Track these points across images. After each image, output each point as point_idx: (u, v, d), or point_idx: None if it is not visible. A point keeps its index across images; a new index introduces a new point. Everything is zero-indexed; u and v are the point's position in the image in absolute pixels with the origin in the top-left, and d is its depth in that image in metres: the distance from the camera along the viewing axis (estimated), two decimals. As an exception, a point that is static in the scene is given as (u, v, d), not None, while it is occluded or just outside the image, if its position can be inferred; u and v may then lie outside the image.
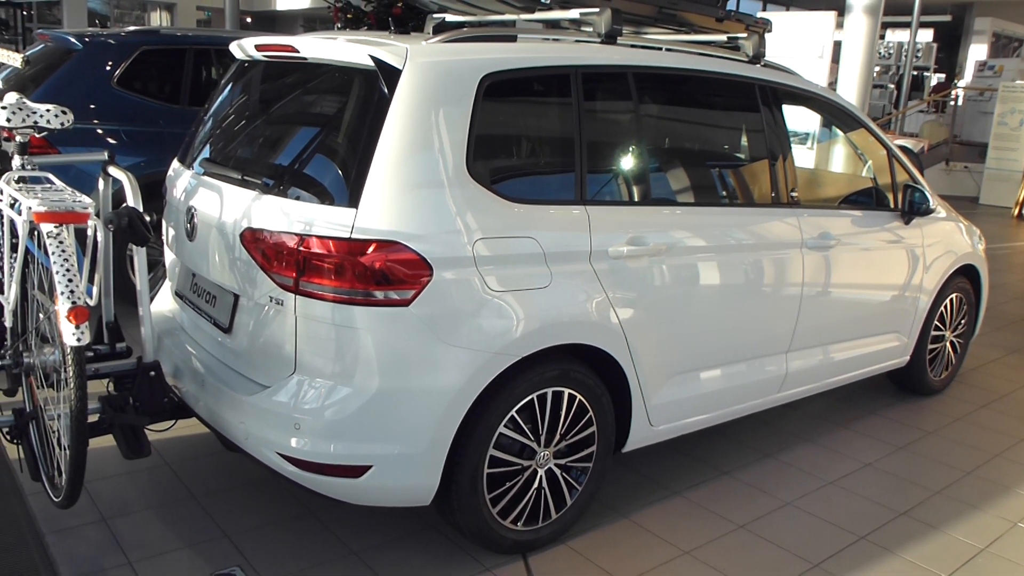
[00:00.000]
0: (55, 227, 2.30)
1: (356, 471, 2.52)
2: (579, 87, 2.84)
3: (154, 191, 4.84)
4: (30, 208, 2.29)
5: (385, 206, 2.44)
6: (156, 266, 5.01)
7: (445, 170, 2.53)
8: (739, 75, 3.42)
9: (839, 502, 3.43)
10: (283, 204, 2.56)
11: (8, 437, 2.65)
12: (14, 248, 2.68)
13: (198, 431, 3.16)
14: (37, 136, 2.74)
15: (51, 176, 2.58)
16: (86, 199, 2.37)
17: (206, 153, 3.07)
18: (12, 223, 2.64)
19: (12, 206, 2.54)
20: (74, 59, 4.94)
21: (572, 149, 2.83)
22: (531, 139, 2.88)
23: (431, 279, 2.47)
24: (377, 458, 2.51)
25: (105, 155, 2.82)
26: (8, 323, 2.79)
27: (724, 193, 3.48)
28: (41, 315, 2.56)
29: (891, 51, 19.21)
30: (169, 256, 3.28)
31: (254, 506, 3.10)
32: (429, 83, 2.55)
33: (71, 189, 2.49)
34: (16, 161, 2.70)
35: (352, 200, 2.44)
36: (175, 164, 3.29)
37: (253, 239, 2.59)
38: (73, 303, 2.16)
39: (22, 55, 3.00)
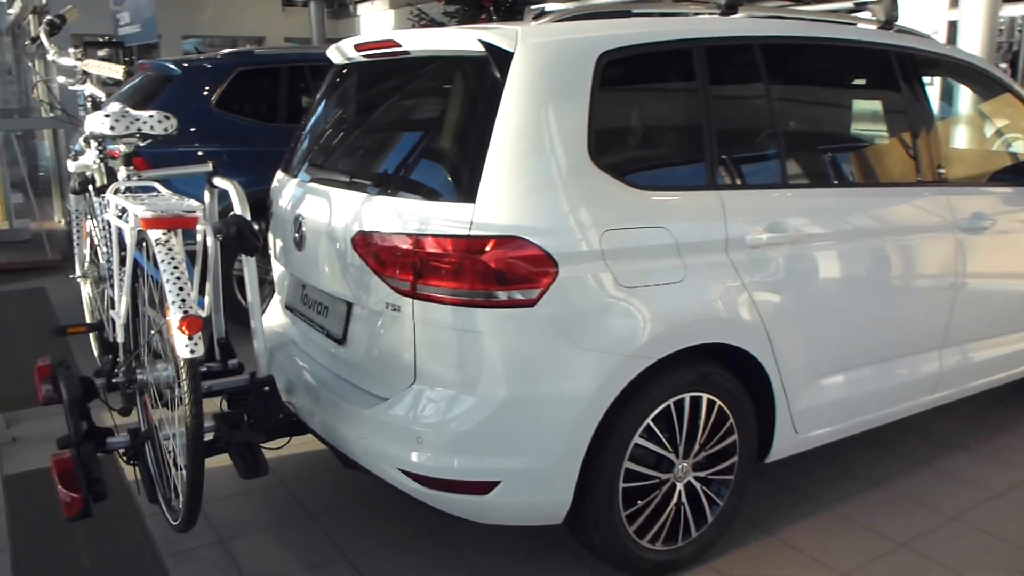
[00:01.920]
0: (163, 234, 2.20)
1: (483, 487, 2.33)
2: (704, 62, 2.61)
3: (257, 209, 4.84)
4: (137, 215, 2.20)
5: (504, 199, 2.26)
6: (263, 284, 5.02)
7: (565, 158, 2.33)
8: (873, 42, 3.12)
9: (1015, 517, 3.05)
10: (395, 204, 2.41)
11: (124, 458, 2.56)
12: (124, 261, 2.61)
13: (314, 447, 3.05)
14: (141, 144, 2.67)
15: (157, 185, 2.50)
16: (194, 203, 2.27)
17: (312, 160, 2.96)
18: (121, 235, 2.57)
19: (120, 216, 2.47)
20: (173, 85, 4.99)
21: (700, 130, 2.59)
22: (655, 121, 2.65)
23: (557, 276, 2.27)
24: (505, 473, 2.32)
25: (210, 166, 2.74)
26: (120, 339, 2.72)
27: (864, 172, 3.17)
28: (152, 331, 2.48)
29: (1002, 27, 18.11)
30: (277, 269, 3.18)
31: (373, 525, 2.95)
32: (543, 65, 2.36)
33: (178, 196, 2.40)
34: (122, 172, 2.64)
35: (468, 194, 2.26)
36: (279, 175, 3.19)
37: (365, 243, 2.44)
38: (185, 312, 2.05)
39: (124, 67, 2.97)
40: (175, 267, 2.12)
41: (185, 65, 5.11)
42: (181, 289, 2.09)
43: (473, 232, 2.23)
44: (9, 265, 7.05)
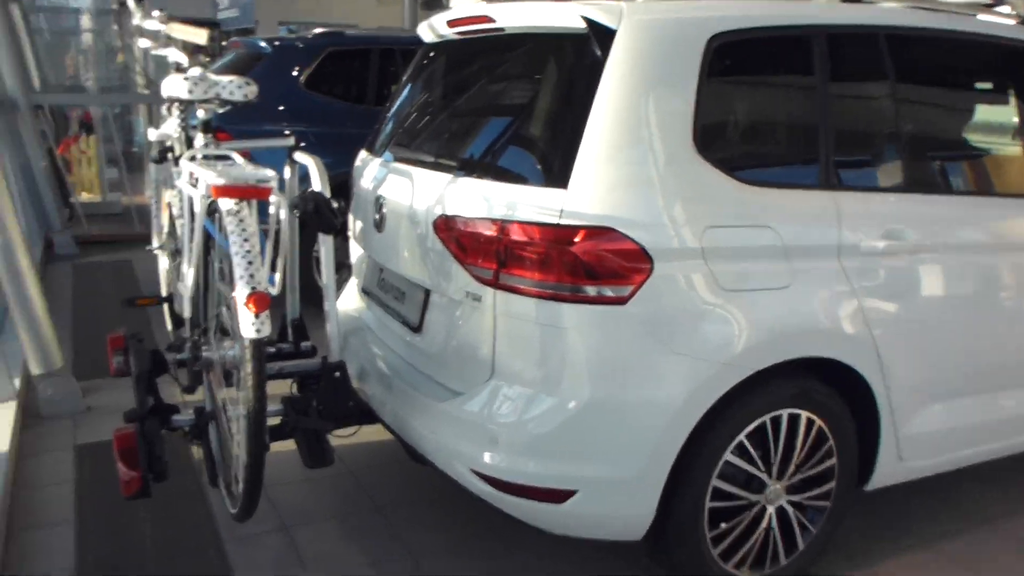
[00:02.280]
0: (235, 203, 2.09)
1: (559, 496, 2.17)
2: (824, 50, 2.38)
3: (341, 191, 4.78)
4: (208, 182, 2.08)
5: (599, 187, 2.09)
6: (341, 269, 4.96)
7: (667, 146, 2.15)
8: (1012, 38, 2.83)
9: None
10: (481, 187, 2.26)
11: (189, 437, 2.49)
12: (195, 232, 2.54)
13: (384, 437, 2.94)
14: (220, 111, 2.59)
15: (235, 155, 2.40)
16: (269, 172, 2.16)
17: (397, 139, 2.84)
18: (192, 204, 2.48)
19: (192, 184, 2.39)
20: (263, 63, 4.97)
21: (816, 124, 2.38)
22: (767, 111, 2.44)
23: (651, 273, 2.09)
24: (584, 482, 2.15)
25: (291, 140, 2.64)
26: (187, 313, 2.63)
27: (994, 181, 2.88)
28: (220, 307, 2.39)
29: None
30: (356, 251, 3.08)
31: (440, 523, 2.83)
32: (648, 45, 2.18)
33: (254, 165, 2.30)
34: (199, 139, 2.56)
35: (560, 180, 2.10)
36: (362, 154, 3.09)
37: (447, 227, 2.31)
38: (252, 288, 1.92)
39: (207, 31, 2.91)
40: (245, 239, 2.00)
41: (276, 44, 5.08)
42: (250, 263, 1.97)
43: (563, 221, 2.07)
44: (101, 237, 7.22)
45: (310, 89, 4.96)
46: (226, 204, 2.08)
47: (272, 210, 2.21)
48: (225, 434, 2.47)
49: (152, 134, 3.13)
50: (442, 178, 2.39)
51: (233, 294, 1.97)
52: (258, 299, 1.91)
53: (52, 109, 8.46)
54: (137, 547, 2.62)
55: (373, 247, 2.81)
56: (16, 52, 6.73)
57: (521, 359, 2.17)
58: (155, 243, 3.77)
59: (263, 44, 5.05)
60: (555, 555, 2.66)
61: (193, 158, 2.46)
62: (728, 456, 2.29)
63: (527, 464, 2.16)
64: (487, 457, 2.19)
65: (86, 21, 9.65)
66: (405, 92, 3.04)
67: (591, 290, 2.07)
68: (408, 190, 2.53)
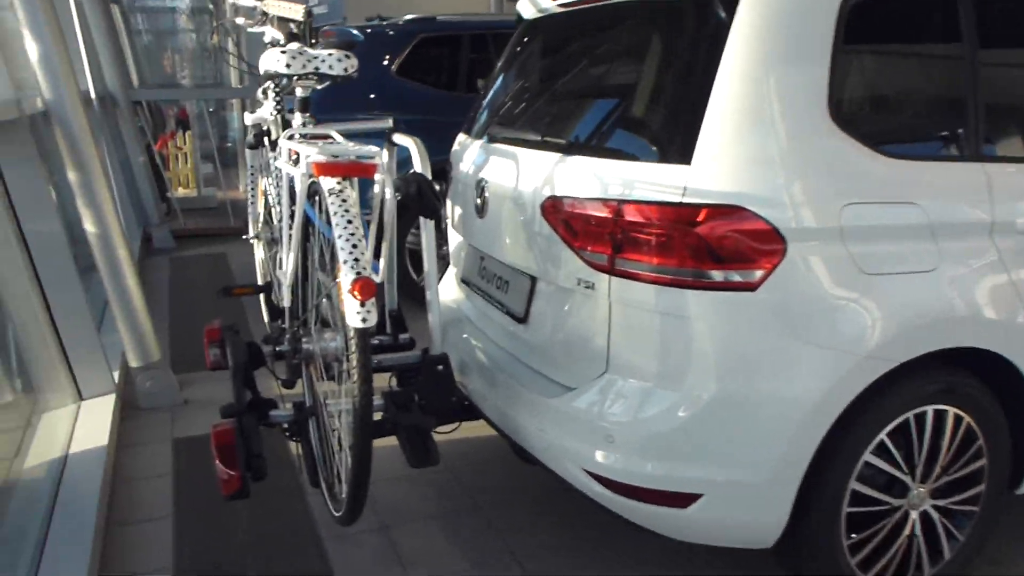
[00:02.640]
0: (337, 183, 1.96)
1: (682, 499, 1.99)
2: (972, 8, 2.13)
3: (435, 179, 4.70)
4: (309, 160, 1.95)
5: (725, 162, 1.90)
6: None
7: (800, 115, 1.94)
8: None
9: None
10: (593, 166, 2.10)
11: (287, 434, 2.40)
12: (293, 217, 2.42)
13: (485, 433, 2.82)
14: (319, 87, 2.48)
15: (335, 133, 2.29)
16: (373, 148, 2.03)
17: (499, 119, 2.69)
18: (291, 186, 2.38)
19: (293, 164, 2.27)
20: (355, 51, 4.90)
21: (964, 89, 2.12)
22: (910, 76, 2.19)
23: (784, 256, 1.89)
24: (710, 485, 1.97)
25: (390, 122, 2.53)
26: (286, 303, 2.52)
27: None
28: (321, 295, 2.29)
29: None
30: (454, 239, 2.96)
31: (544, 524, 2.68)
32: (777, 6, 1.97)
33: (356, 143, 2.18)
34: (297, 119, 2.45)
35: (682, 155, 1.92)
36: (460, 137, 2.97)
37: (556, 210, 2.15)
38: (358, 274, 1.80)
39: (304, 7, 2.81)
40: (349, 221, 1.88)
41: (368, 31, 5.01)
42: (355, 247, 1.84)
43: (686, 199, 1.89)
44: (196, 231, 7.35)
45: (402, 76, 4.87)
46: (328, 183, 1.95)
47: (376, 189, 2.08)
48: (326, 431, 2.36)
49: (248, 118, 3.05)
50: (549, 158, 2.24)
51: (336, 281, 1.85)
52: (364, 285, 1.78)
53: (150, 106, 8.67)
54: (235, 544, 2.57)
55: (474, 234, 2.68)
56: (116, 50, 6.89)
57: (639, 351, 2.00)
58: (251, 232, 3.70)
59: (355, 32, 4.99)
60: (671, 561, 2.48)
61: (291, 137, 2.35)
62: (868, 457, 2.07)
63: (646, 465, 1.99)
64: (601, 457, 2.03)
65: (184, 20, 9.86)
66: (506, 71, 2.89)
67: (717, 275, 1.89)
68: (512, 172, 2.38)
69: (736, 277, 1.89)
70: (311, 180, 2.03)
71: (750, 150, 1.90)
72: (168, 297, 5.45)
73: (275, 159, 2.77)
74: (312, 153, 1.96)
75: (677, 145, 1.93)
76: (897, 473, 2.13)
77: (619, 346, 2.03)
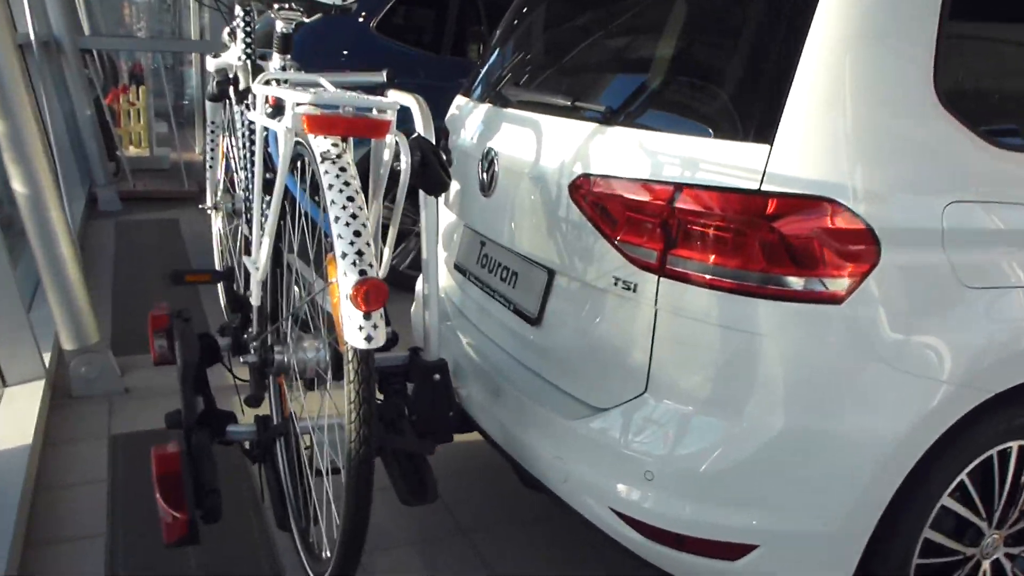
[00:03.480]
0: (334, 144, 1.51)
1: (733, 551, 1.64)
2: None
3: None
4: (296, 110, 1.47)
5: (814, 142, 1.52)
6: (408, 237, 4.45)
7: (901, 89, 1.57)
8: None
9: None
10: (641, 139, 1.71)
11: (249, 456, 1.94)
12: (269, 188, 1.94)
13: (470, 440, 2.44)
14: (307, 20, 2.03)
15: (323, 80, 1.85)
16: (385, 99, 1.57)
17: (514, 78, 2.27)
18: (268, 148, 1.92)
19: (273, 115, 1.77)
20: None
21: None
22: None
23: (877, 262, 1.53)
24: (769, 535, 1.62)
25: (384, 76, 2.10)
26: (255, 300, 2.02)
27: None
28: (303, 295, 1.85)
29: None
30: (447, 216, 2.54)
31: (539, 553, 2.32)
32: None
33: (356, 92, 1.73)
34: (276, 60, 2.00)
35: (762, 133, 1.54)
36: (460, 101, 2.55)
37: (590, 191, 1.76)
38: (362, 274, 1.36)
39: None
40: (349, 199, 1.42)
41: (344, -17, 4.54)
42: (357, 235, 1.39)
43: (766, 187, 1.51)
44: (147, 193, 6.81)
45: (382, 33, 4.41)
46: (320, 145, 1.49)
47: (386, 156, 1.64)
48: (299, 458, 1.92)
49: (210, 63, 2.57)
50: (582, 128, 1.84)
51: (330, 280, 1.42)
52: (371, 290, 1.33)
53: (102, 58, 8.03)
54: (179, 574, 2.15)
55: (474, 214, 2.27)
56: (62, -9, 6.27)
57: (690, 370, 1.63)
58: (208, 201, 3.19)
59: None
60: None
61: (269, 82, 1.88)
62: (945, 500, 1.74)
63: (691, 508, 1.63)
64: (636, 495, 1.67)
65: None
66: (524, 20, 2.46)
67: (797, 283, 1.52)
68: (532, 143, 1.98)
69: (819, 286, 1.52)
70: (296, 139, 1.59)
71: (842, 132, 1.53)
72: (112, 267, 4.93)
73: (243, 112, 2.32)
74: (301, 100, 1.48)
75: (756, 120, 1.55)
76: (974, 518, 1.80)
77: (664, 362, 1.65)
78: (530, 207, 1.97)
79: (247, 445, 1.89)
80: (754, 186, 1.51)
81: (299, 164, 1.75)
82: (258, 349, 1.80)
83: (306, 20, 1.98)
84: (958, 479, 1.74)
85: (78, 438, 2.83)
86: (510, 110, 2.14)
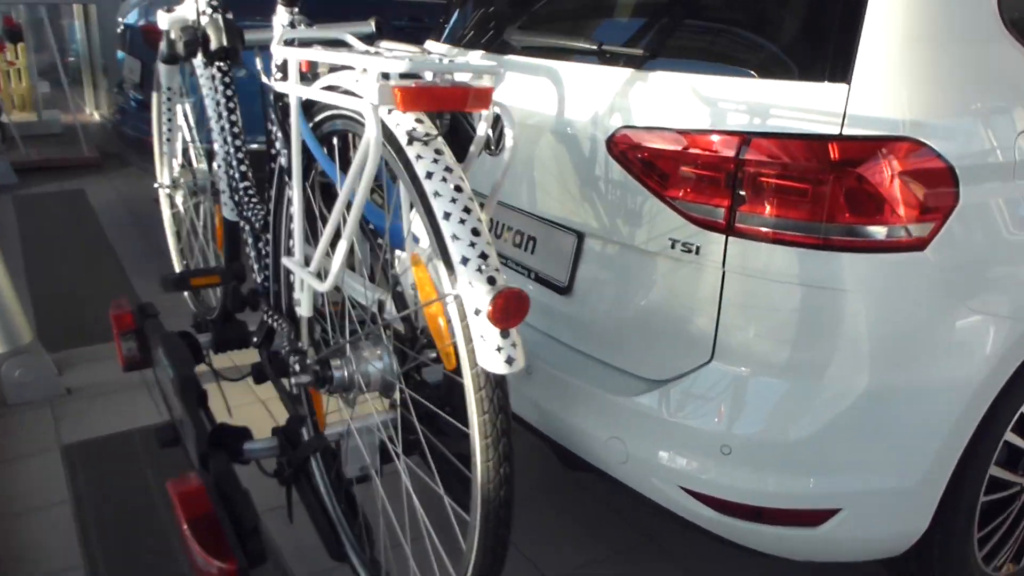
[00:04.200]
0: (418, 121, 1.23)
1: (815, 517, 1.55)
2: None
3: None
4: (384, 83, 1.15)
5: (894, 77, 1.39)
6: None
7: (969, 17, 1.45)
8: None
9: None
10: (695, 84, 1.54)
11: (279, 479, 1.67)
12: (308, 173, 1.59)
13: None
14: None
15: (350, 37, 1.59)
16: (483, 62, 1.25)
17: (513, 22, 2.04)
18: (311, 125, 1.57)
19: (341, 88, 1.37)
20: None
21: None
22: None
23: (958, 202, 1.43)
24: (851, 498, 1.54)
25: (372, 25, 1.85)
26: (306, 310, 1.57)
27: None
28: (360, 293, 1.57)
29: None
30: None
31: (577, 538, 2.21)
32: None
33: (414, 48, 1.49)
34: (281, 14, 1.70)
35: (837, 70, 1.39)
36: (436, 48, 2.31)
37: (634, 146, 1.59)
38: (492, 282, 1.13)
39: None
40: (457, 188, 1.18)
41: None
42: (476, 234, 1.15)
43: (847, 131, 1.37)
44: (41, 162, 6.22)
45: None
46: (404, 122, 1.23)
47: (481, 131, 1.39)
48: (339, 476, 1.66)
49: (162, 19, 2.22)
50: (616, 74, 1.65)
51: (452, 292, 1.16)
52: (510, 302, 1.10)
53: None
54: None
55: (477, 175, 2.07)
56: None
57: (764, 334, 1.50)
58: (163, 178, 2.80)
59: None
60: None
61: (291, 43, 1.56)
62: (1008, 435, 1.70)
63: (772, 479, 1.53)
64: (711, 472, 1.55)
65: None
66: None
67: (880, 231, 1.40)
68: (549, 94, 1.78)
69: (903, 233, 1.41)
70: (347, 116, 1.34)
71: (918, 64, 1.40)
72: (20, 250, 4.48)
73: (219, 75, 2.01)
74: (383, 68, 1.17)
75: (829, 57, 1.40)
76: (1028, 450, 1.78)
77: (733, 327, 1.52)
78: (553, 166, 1.78)
79: (279, 468, 1.65)
80: (835, 130, 1.37)
81: (343, 142, 1.51)
82: (306, 362, 1.51)
83: None
84: (1019, 412, 1.70)
85: (26, 453, 2.54)
86: (514, 57, 1.93)
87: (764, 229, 1.44)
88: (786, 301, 1.46)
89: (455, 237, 1.16)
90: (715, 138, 1.46)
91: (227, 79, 2.02)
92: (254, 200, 1.92)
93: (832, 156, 1.37)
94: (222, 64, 2.02)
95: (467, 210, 1.17)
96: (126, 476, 2.38)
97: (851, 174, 1.37)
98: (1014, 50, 1.48)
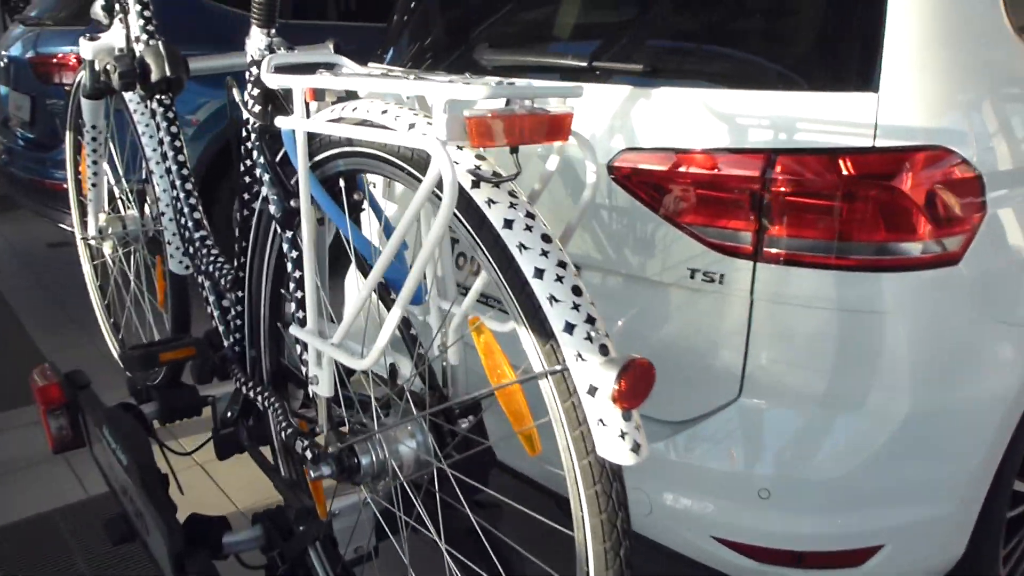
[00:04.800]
0: (478, 157, 1.03)
1: (858, 556, 1.44)
2: None
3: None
4: (456, 113, 0.96)
5: (921, 83, 1.30)
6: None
7: (983, 19, 1.39)
8: None
9: None
10: (706, 99, 1.41)
11: (269, 571, 1.44)
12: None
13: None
14: None
15: (346, 60, 1.38)
16: (560, 85, 1.06)
17: (481, 39, 1.87)
18: (339, 160, 1.27)
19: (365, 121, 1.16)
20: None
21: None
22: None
23: (986, 211, 1.36)
24: (894, 532, 1.44)
25: (331, 47, 1.66)
26: (325, 390, 1.31)
27: None
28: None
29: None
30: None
31: None
32: None
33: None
34: (258, 38, 1.46)
35: (863, 77, 1.30)
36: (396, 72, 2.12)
37: (642, 170, 1.45)
38: (605, 351, 0.95)
39: None
40: (544, 237, 0.98)
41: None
42: (577, 293, 0.97)
43: (880, 142, 1.28)
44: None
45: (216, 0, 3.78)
46: (465, 159, 1.02)
47: (549, 164, 1.18)
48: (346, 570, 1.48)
49: (84, 48, 1.94)
50: (612, 92, 1.51)
51: (555, 367, 0.97)
52: (637, 377, 0.91)
53: None
54: None
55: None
56: None
57: (798, 365, 1.39)
58: (89, 228, 2.40)
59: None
60: None
61: (281, 70, 1.31)
62: (1025, 448, 1.64)
63: (813, 521, 1.42)
64: (747, 519, 1.43)
65: None
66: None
67: (915, 247, 1.31)
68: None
69: (937, 248, 1.32)
70: (364, 153, 1.16)
71: (942, 69, 1.32)
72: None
73: (158, 112, 1.76)
74: (449, 95, 0.96)
75: (854, 63, 1.30)
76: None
77: (763, 359, 1.41)
78: (544, 194, 1.63)
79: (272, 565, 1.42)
80: (867, 143, 1.27)
81: (372, 188, 1.31)
82: (329, 455, 1.27)
83: None
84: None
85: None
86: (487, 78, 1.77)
87: (795, 252, 1.33)
88: (820, 328, 1.35)
89: (554, 299, 0.96)
90: (736, 157, 1.35)
91: (170, 114, 1.78)
92: (214, 252, 1.69)
93: (866, 170, 1.27)
94: (163, 97, 1.78)
95: (562, 264, 0.98)
96: (54, 567, 2.09)
97: (887, 188, 1.28)
98: (1019, 49, 1.43)
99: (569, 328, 0.96)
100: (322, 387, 1.27)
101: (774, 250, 1.34)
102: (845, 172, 1.28)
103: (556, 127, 0.99)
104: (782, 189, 1.31)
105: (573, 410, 0.98)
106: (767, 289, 1.36)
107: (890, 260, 1.31)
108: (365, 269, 1.48)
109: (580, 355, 0.95)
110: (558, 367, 0.97)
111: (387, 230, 1.42)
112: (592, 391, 0.95)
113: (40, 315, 3.84)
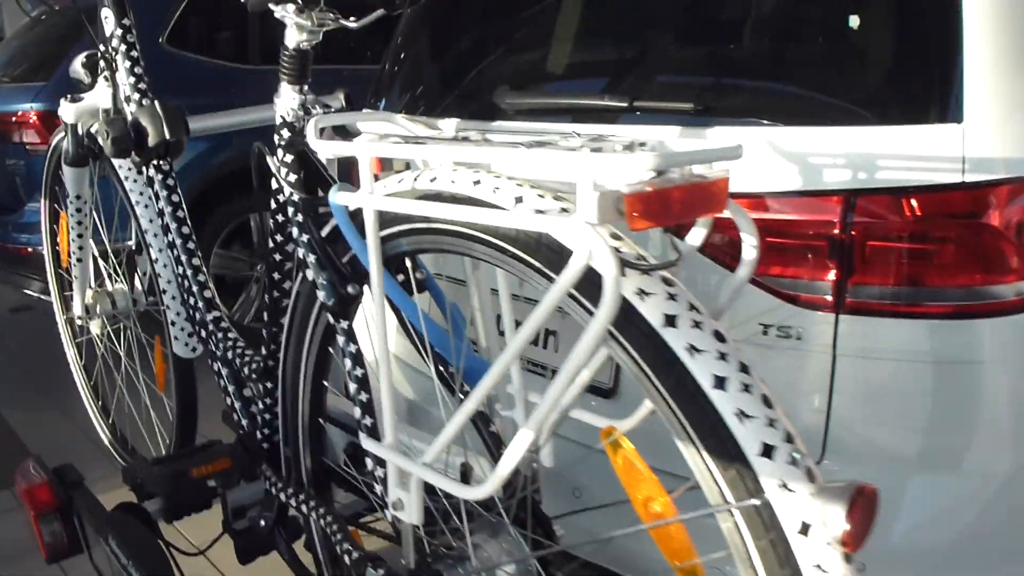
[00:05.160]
0: (625, 244, 0.86)
1: (960, 627, 1.32)
2: None
3: (234, 183, 3.56)
4: (613, 188, 0.76)
5: (1001, 113, 1.20)
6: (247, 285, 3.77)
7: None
8: None
9: None
10: (771, 137, 1.29)
11: None
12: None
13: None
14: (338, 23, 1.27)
15: (401, 118, 1.22)
16: (717, 146, 0.84)
17: (502, 81, 1.71)
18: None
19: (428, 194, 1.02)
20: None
21: None
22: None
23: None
24: (999, 594, 1.32)
25: (342, 99, 1.52)
26: (414, 517, 1.09)
27: None
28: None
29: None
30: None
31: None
32: None
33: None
34: (287, 96, 1.28)
35: (945, 108, 1.19)
36: (400, 119, 1.98)
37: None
38: (810, 477, 0.79)
39: None
40: (718, 336, 0.83)
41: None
42: (768, 404, 0.80)
43: (969, 177, 1.17)
44: None
45: (174, 46, 3.63)
46: (610, 242, 0.79)
47: (693, 238, 0.93)
48: None
49: (66, 110, 1.77)
50: (660, 132, 1.39)
51: (751, 500, 0.79)
52: (866, 512, 0.76)
53: None
54: None
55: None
56: None
57: (888, 423, 1.27)
58: (75, 307, 2.15)
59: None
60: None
61: (326, 132, 1.15)
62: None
63: (914, 591, 1.29)
64: (839, 593, 1.29)
65: None
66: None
67: (1010, 290, 1.20)
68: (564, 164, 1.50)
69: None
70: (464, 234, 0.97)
71: (1020, 93, 1.22)
72: None
73: (156, 180, 1.58)
74: (602, 168, 0.78)
75: (935, 93, 1.19)
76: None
77: (849, 419, 1.28)
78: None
79: None
80: (956, 178, 1.16)
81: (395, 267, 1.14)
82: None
83: (351, 24, 1.23)
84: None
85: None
86: (510, 123, 1.64)
87: (882, 301, 1.21)
88: (912, 382, 1.23)
89: (744, 415, 0.78)
90: (809, 201, 1.23)
91: (170, 181, 1.61)
92: (231, 336, 1.50)
93: (958, 208, 1.16)
94: (161, 163, 1.61)
95: (745, 370, 0.80)
96: None
97: (980, 226, 1.17)
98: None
99: (768, 451, 0.78)
100: (410, 513, 1.06)
101: (858, 300, 1.22)
102: (935, 210, 1.16)
103: (714, 197, 0.83)
104: (864, 232, 1.19)
105: (772, 550, 0.80)
106: (851, 343, 1.24)
107: (986, 305, 1.19)
108: (443, 375, 1.29)
109: (786, 484, 0.78)
110: (754, 500, 0.79)
111: (455, 318, 1.23)
112: (805, 529, 0.78)
113: (5, 384, 3.61)
